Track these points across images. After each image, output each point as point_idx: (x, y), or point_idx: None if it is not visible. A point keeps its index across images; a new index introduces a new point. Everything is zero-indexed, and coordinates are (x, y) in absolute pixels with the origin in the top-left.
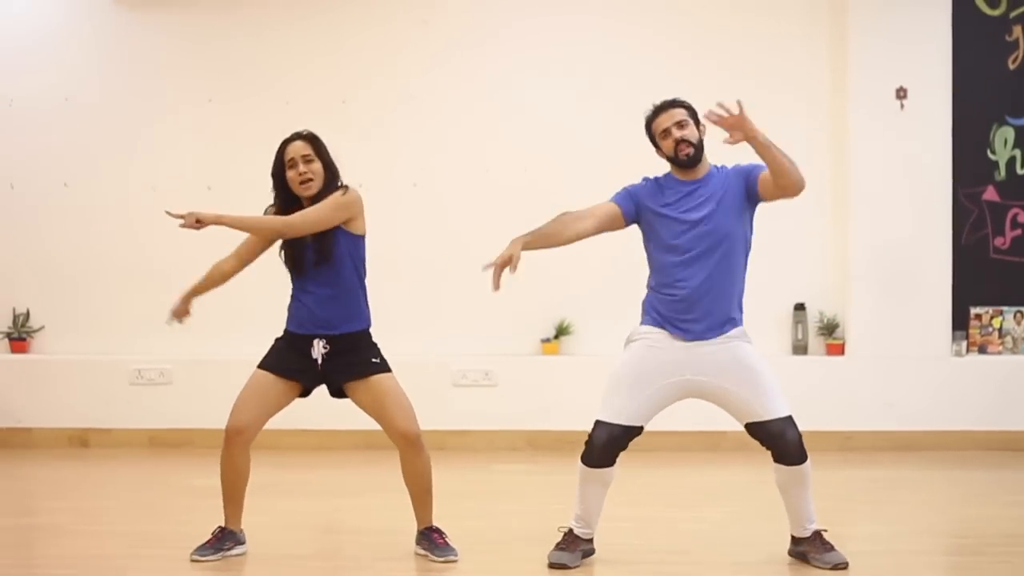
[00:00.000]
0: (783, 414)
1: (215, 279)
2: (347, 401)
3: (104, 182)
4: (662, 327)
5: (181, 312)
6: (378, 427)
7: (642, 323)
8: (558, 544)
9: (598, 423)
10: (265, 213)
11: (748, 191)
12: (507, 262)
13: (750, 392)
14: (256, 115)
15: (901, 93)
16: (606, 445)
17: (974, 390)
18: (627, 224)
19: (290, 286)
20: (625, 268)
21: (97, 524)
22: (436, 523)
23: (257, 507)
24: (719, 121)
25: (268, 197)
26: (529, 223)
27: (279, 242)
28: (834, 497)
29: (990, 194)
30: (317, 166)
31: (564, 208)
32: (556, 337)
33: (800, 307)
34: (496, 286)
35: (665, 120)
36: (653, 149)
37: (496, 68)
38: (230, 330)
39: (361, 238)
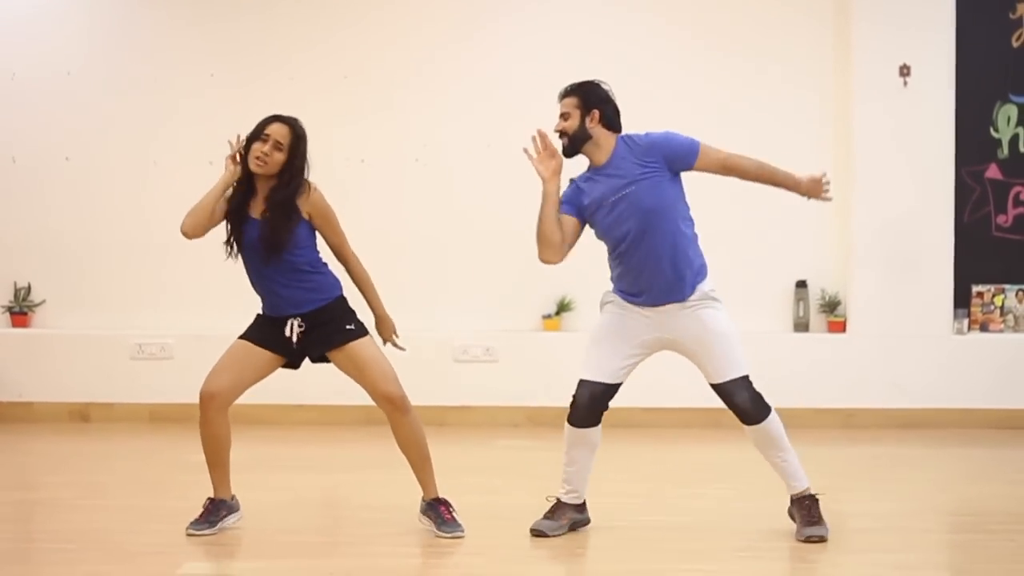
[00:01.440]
0: (733, 376)
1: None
2: (345, 376)
3: (106, 156)
4: (626, 299)
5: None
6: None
7: (612, 289)
8: (545, 513)
9: (581, 382)
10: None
11: (674, 167)
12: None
13: (705, 356)
14: (259, 90)
15: (904, 71)
16: (590, 403)
17: (975, 368)
18: (582, 226)
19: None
20: None
21: (97, 498)
22: (443, 497)
23: (256, 483)
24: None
25: None
26: (530, 199)
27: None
28: (836, 474)
29: (993, 172)
30: (280, 157)
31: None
32: (557, 313)
33: (802, 284)
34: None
35: (560, 110)
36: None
37: (499, 44)
38: (231, 305)
39: (308, 222)
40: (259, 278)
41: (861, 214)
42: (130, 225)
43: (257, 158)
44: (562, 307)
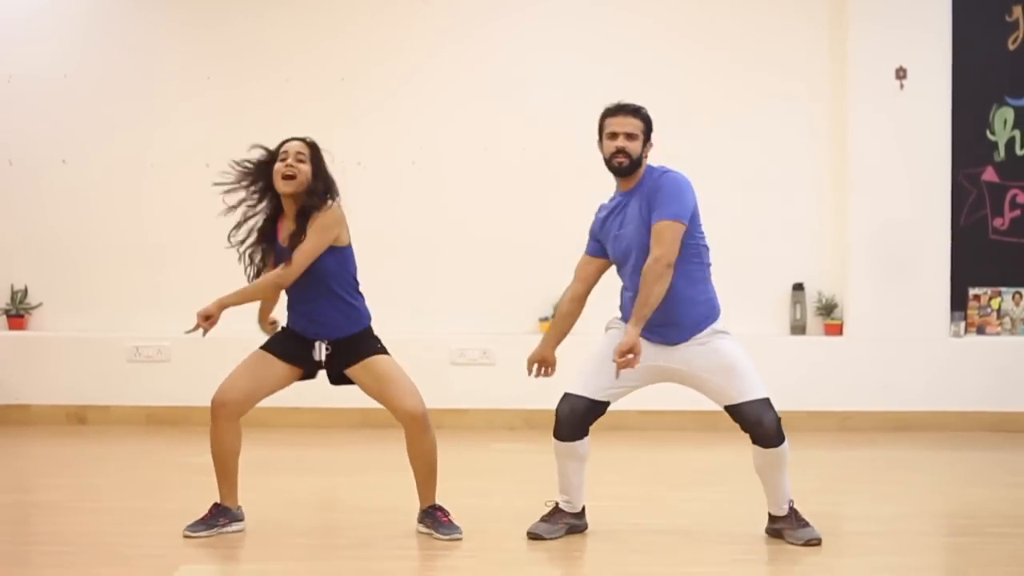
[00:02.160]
0: (758, 396)
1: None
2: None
3: (102, 159)
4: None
5: (209, 324)
6: (375, 405)
7: (620, 316)
8: (542, 517)
9: (564, 395)
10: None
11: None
12: (545, 365)
13: (723, 378)
14: (255, 93)
15: (901, 73)
16: (569, 417)
17: (972, 371)
18: (611, 262)
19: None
20: None
21: (94, 501)
22: (438, 503)
23: (253, 485)
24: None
25: None
26: (527, 202)
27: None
28: (832, 477)
29: (989, 175)
30: (306, 167)
31: (563, 186)
32: (554, 315)
33: (799, 287)
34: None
35: (618, 125)
36: (596, 143)
37: (495, 47)
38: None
39: (347, 248)
40: (302, 299)
41: (858, 217)
42: (127, 227)
43: (284, 176)
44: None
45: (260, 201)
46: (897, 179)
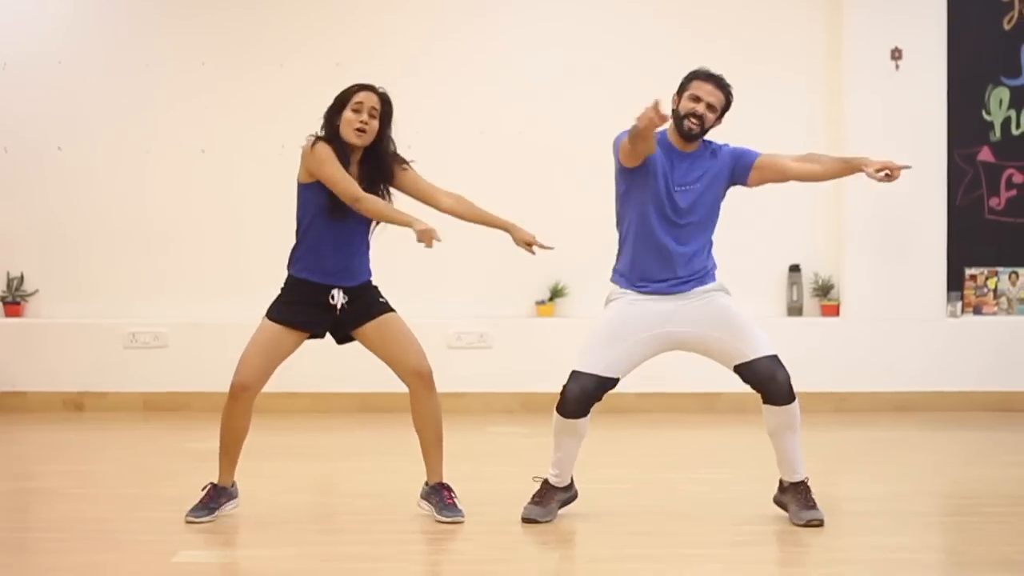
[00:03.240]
0: (770, 352)
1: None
2: (340, 363)
3: (98, 146)
4: (636, 288)
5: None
6: (372, 389)
7: (620, 285)
8: (533, 498)
9: (573, 373)
10: (310, 140)
11: (734, 174)
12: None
13: (733, 335)
14: (250, 78)
15: (896, 54)
16: (580, 396)
17: (969, 351)
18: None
19: (290, 223)
20: None
21: (92, 488)
22: (446, 482)
23: (251, 470)
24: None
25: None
26: (524, 185)
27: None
28: (830, 458)
29: (985, 155)
30: (376, 124)
31: (560, 170)
32: (551, 299)
33: (795, 268)
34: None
35: (703, 92)
36: (672, 96)
37: (493, 33)
38: (225, 293)
39: None
40: (338, 244)
41: (854, 198)
42: (123, 214)
43: (357, 129)
44: (555, 293)
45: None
46: (893, 159)
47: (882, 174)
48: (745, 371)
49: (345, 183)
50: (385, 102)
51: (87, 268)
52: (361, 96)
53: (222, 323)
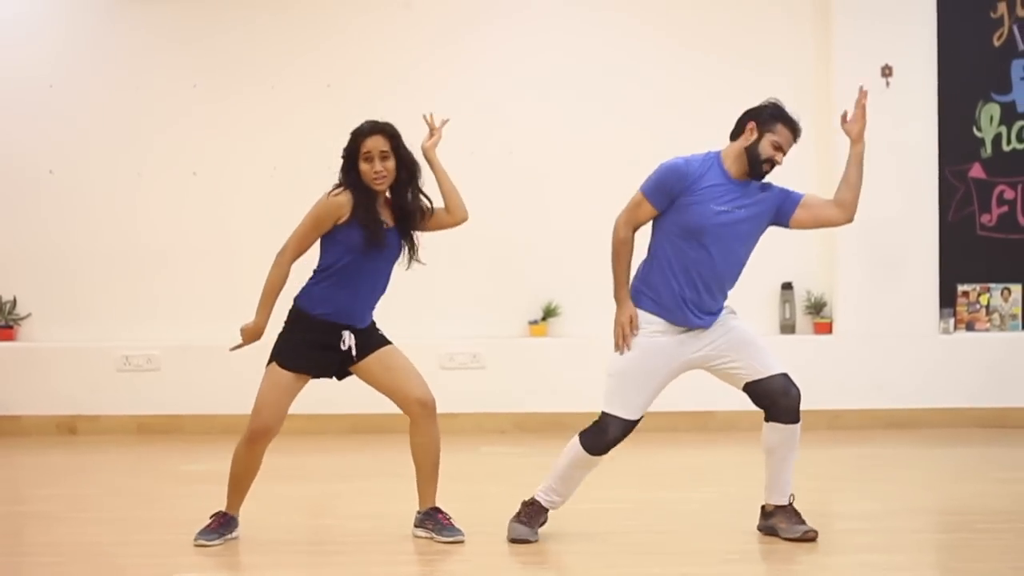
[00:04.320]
0: (783, 369)
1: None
2: (332, 385)
3: (90, 169)
4: (661, 315)
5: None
6: (366, 411)
7: (641, 309)
8: (519, 517)
9: (614, 418)
10: (332, 191)
11: (778, 213)
12: (630, 325)
13: (748, 355)
14: (241, 100)
15: (886, 71)
16: (618, 438)
17: (962, 367)
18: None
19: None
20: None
21: (86, 511)
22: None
23: (248, 492)
24: (857, 114)
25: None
26: (514, 205)
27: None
28: (823, 476)
29: (976, 171)
30: (391, 164)
31: (550, 189)
32: (543, 319)
33: (787, 286)
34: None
35: (785, 140)
36: (753, 123)
37: (480, 52)
38: (217, 316)
39: None
40: (358, 284)
41: None
42: (115, 237)
43: (374, 179)
44: (548, 313)
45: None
46: (884, 177)
47: (853, 115)
48: (757, 388)
49: (291, 239)
50: (392, 136)
51: (80, 291)
52: (368, 145)
53: (215, 346)
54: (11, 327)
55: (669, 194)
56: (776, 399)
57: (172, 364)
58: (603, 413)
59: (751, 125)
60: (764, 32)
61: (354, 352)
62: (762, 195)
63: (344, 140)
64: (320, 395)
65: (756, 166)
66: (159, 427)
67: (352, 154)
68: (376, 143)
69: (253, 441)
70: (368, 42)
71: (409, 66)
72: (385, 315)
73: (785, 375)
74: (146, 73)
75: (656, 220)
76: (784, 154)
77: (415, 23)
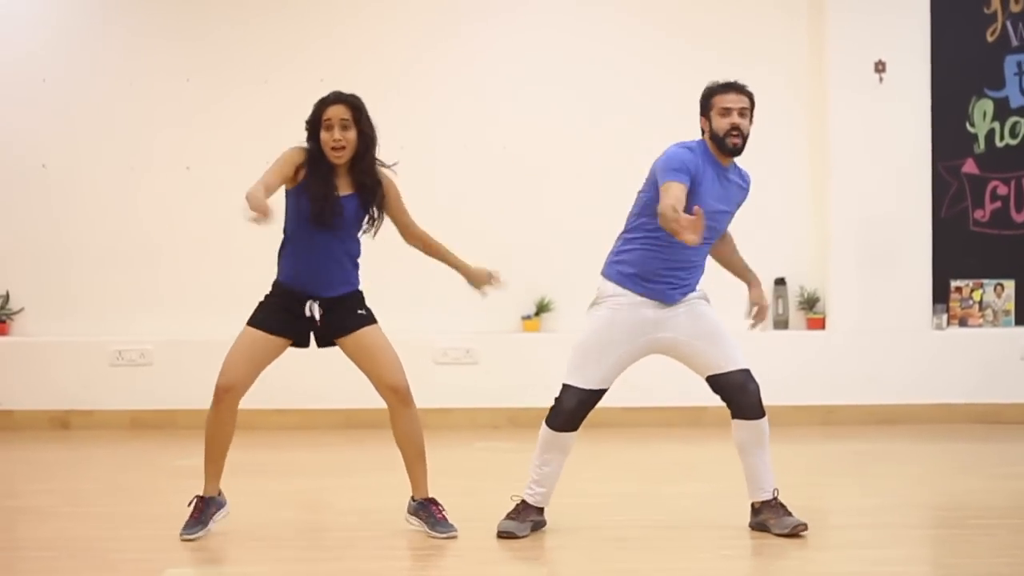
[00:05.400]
0: (743, 366)
1: None
2: (328, 380)
3: (82, 163)
4: (631, 289)
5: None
6: (359, 406)
7: (610, 281)
8: (508, 514)
9: (568, 387)
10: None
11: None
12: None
13: (711, 345)
14: (234, 94)
15: (880, 67)
16: (575, 409)
17: (955, 363)
18: None
19: (276, 241)
20: (605, 244)
21: (79, 506)
22: (433, 496)
23: (239, 487)
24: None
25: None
26: (509, 199)
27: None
28: (817, 471)
29: (969, 167)
30: (352, 134)
31: (545, 184)
32: (537, 314)
33: (781, 282)
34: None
35: (732, 101)
36: (700, 117)
37: (477, 47)
38: (210, 310)
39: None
40: (311, 253)
41: (838, 211)
42: (108, 231)
43: (333, 148)
44: (541, 308)
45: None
46: (878, 173)
47: (754, 310)
48: (717, 382)
49: (262, 178)
50: (355, 107)
51: (73, 286)
52: (329, 113)
53: (208, 340)
54: (4, 321)
55: (689, 172)
56: (733, 395)
57: (165, 359)
58: (562, 384)
59: (701, 121)
60: (758, 27)
61: (317, 320)
62: (740, 191)
63: None
64: (313, 390)
65: (723, 144)
66: (152, 422)
67: (314, 123)
68: (337, 111)
69: (216, 400)
70: (363, 37)
71: (404, 61)
72: (379, 308)
73: (744, 371)
74: (139, 67)
75: (647, 200)
76: (739, 113)
77: (411, 19)
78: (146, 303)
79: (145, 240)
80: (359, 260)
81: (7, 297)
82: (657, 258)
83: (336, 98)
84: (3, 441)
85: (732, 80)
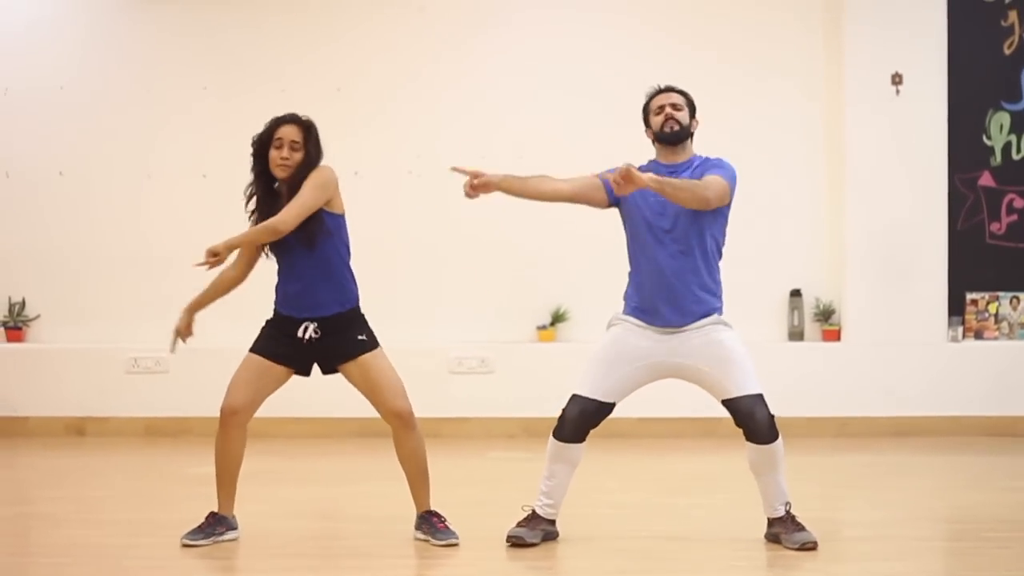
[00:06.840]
0: (753, 391)
1: (220, 289)
2: (342, 388)
3: (99, 170)
4: (638, 317)
5: (185, 330)
6: (373, 414)
7: (623, 311)
8: (519, 522)
9: (573, 397)
10: (246, 192)
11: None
12: (476, 175)
13: (720, 371)
14: (251, 103)
15: (897, 79)
16: (578, 419)
17: (970, 376)
18: (609, 203)
19: (276, 270)
20: (621, 254)
21: (94, 513)
22: (434, 509)
23: (253, 495)
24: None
25: None
26: (524, 209)
27: None
28: (831, 483)
29: (986, 179)
30: (300, 156)
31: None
32: (552, 324)
33: (796, 293)
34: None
35: (662, 99)
36: (644, 131)
37: (492, 56)
38: (226, 318)
39: (342, 217)
40: (293, 276)
41: (855, 222)
42: (124, 239)
43: (279, 165)
44: (557, 318)
45: (259, 177)
46: (894, 185)
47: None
48: (729, 407)
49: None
50: (306, 129)
51: (89, 293)
52: (280, 132)
53: (223, 348)
54: (20, 328)
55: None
56: (743, 421)
57: (181, 366)
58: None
59: (646, 132)
60: (775, 39)
61: (313, 341)
62: (694, 172)
63: (353, 143)
64: (326, 399)
65: (663, 136)
66: (167, 429)
67: (264, 141)
68: (290, 132)
69: (222, 423)
70: (379, 45)
71: (419, 69)
72: (393, 318)
73: (754, 396)
74: (156, 75)
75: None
76: (671, 107)
77: (426, 26)
78: (162, 310)
79: (161, 248)
80: (349, 274)
81: (23, 304)
82: (644, 284)
83: (291, 119)
84: (18, 448)
85: (664, 85)
